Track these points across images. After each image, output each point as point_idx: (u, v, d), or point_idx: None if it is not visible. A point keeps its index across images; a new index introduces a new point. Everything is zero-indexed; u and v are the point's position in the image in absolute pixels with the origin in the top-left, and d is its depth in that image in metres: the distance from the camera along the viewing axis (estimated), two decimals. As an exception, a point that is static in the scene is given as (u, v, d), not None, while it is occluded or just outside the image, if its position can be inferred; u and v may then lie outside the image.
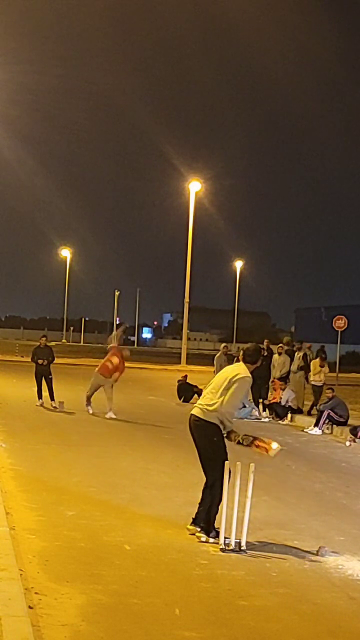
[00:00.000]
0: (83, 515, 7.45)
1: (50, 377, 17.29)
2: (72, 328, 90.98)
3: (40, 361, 17.34)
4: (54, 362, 17.83)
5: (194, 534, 6.94)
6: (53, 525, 6.98)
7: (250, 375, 7.14)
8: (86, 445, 12.18)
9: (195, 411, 7.20)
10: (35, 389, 17.36)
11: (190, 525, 7.03)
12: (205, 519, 6.95)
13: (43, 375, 17.30)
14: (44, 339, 18.15)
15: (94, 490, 8.67)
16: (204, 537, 6.87)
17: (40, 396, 17.21)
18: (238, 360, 7.50)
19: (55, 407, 16.84)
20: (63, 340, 77.61)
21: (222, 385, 7.08)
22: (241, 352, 7.48)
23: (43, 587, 5.25)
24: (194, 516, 7.07)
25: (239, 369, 7.18)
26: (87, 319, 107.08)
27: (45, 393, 17.17)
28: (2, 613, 4.41)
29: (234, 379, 7.04)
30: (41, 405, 16.98)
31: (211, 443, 7.06)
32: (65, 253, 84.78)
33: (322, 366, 18.94)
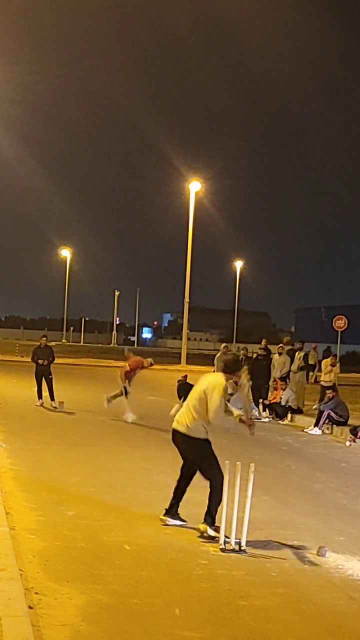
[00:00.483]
0: (83, 515, 7.45)
1: (50, 377, 17.29)
2: (72, 328, 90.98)
3: (40, 361, 17.34)
4: (54, 362, 17.84)
5: (166, 524, 7.17)
6: (53, 525, 6.98)
7: (225, 383, 7.27)
8: (86, 445, 12.18)
9: (179, 427, 7.28)
10: (36, 389, 17.37)
11: (164, 515, 7.28)
12: (207, 513, 7.04)
13: (43, 375, 17.31)
14: (44, 339, 18.14)
15: (94, 490, 8.67)
16: (202, 527, 6.94)
17: (40, 396, 17.21)
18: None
19: (55, 407, 16.83)
20: (63, 340, 77.57)
21: (200, 397, 7.21)
22: (222, 364, 7.60)
23: (43, 587, 5.25)
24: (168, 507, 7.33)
25: (216, 378, 7.36)
26: (87, 319, 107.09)
27: (45, 393, 17.17)
28: (2, 613, 4.41)
29: (211, 388, 7.20)
30: (41, 405, 16.98)
31: (202, 455, 7.22)
32: (65, 253, 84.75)
33: (333, 365, 18.92)
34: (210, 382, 7.29)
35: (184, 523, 7.23)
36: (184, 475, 7.41)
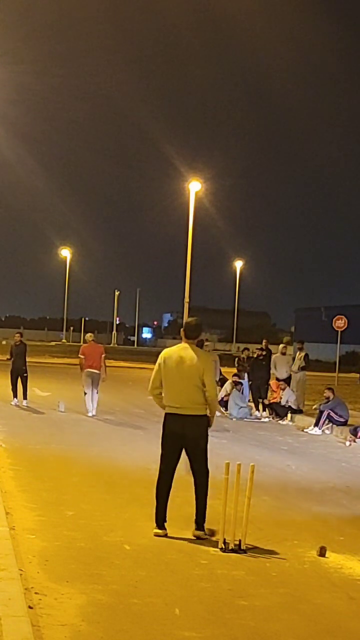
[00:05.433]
0: (83, 515, 7.45)
1: (25, 375, 17.21)
2: (72, 328, 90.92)
3: (7, 358, 17.27)
4: (27, 360, 17.63)
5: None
6: (53, 525, 6.98)
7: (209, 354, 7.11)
8: (86, 445, 12.19)
9: (187, 411, 6.99)
10: (11, 387, 17.27)
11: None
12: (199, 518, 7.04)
13: (19, 374, 17.22)
14: (18, 335, 17.84)
15: (94, 490, 8.67)
16: (199, 534, 6.95)
17: (15, 394, 17.15)
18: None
19: (28, 407, 16.78)
20: (63, 340, 77.52)
21: (194, 378, 6.97)
22: (182, 330, 7.33)
23: (43, 587, 5.25)
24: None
25: (195, 352, 7.07)
26: (87, 319, 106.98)
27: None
28: (2, 613, 4.41)
29: (202, 366, 6.97)
30: (16, 405, 16.92)
31: (204, 437, 7.07)
32: (65, 253, 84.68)
33: None
34: (196, 357, 7.01)
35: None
36: (171, 470, 7.15)
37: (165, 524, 7.00)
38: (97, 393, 16.41)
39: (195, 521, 7.01)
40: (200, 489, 7.07)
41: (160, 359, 7.22)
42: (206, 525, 7.05)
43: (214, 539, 6.83)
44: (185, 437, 7.03)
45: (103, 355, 16.56)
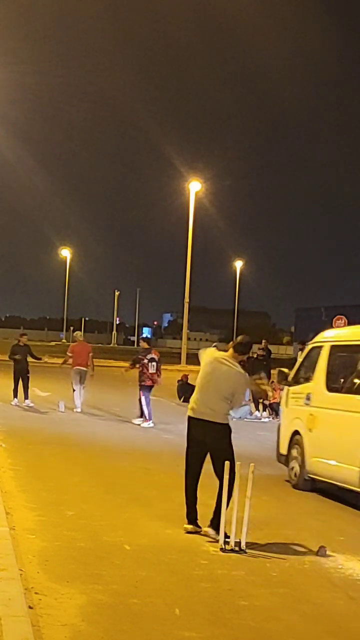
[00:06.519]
0: (83, 515, 7.45)
1: (28, 375, 17.23)
2: (72, 328, 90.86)
3: (17, 357, 17.24)
4: (28, 361, 17.55)
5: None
6: (53, 525, 6.98)
7: (244, 371, 7.26)
8: (86, 445, 12.19)
9: (206, 416, 7.09)
10: (12, 387, 17.24)
11: (208, 527, 7.05)
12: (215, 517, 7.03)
13: (21, 374, 17.23)
14: (24, 337, 17.86)
15: (94, 490, 8.67)
16: (207, 530, 6.96)
17: (15, 394, 17.15)
18: (243, 362, 7.61)
19: (29, 407, 16.79)
20: (63, 340, 77.50)
21: (223, 388, 7.09)
22: (231, 343, 7.52)
23: (43, 587, 5.24)
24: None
25: (234, 368, 7.20)
26: (87, 319, 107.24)
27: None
28: (2, 613, 4.40)
29: (235, 386, 7.13)
30: (16, 405, 16.92)
31: (228, 444, 7.10)
32: (65, 253, 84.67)
33: None
34: (234, 375, 7.13)
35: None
36: (197, 471, 7.25)
37: (197, 522, 7.10)
38: (84, 389, 16.99)
39: (211, 519, 7.01)
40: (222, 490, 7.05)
41: (206, 357, 7.35)
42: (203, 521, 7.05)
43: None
44: (206, 444, 7.14)
45: (91, 354, 17.34)
